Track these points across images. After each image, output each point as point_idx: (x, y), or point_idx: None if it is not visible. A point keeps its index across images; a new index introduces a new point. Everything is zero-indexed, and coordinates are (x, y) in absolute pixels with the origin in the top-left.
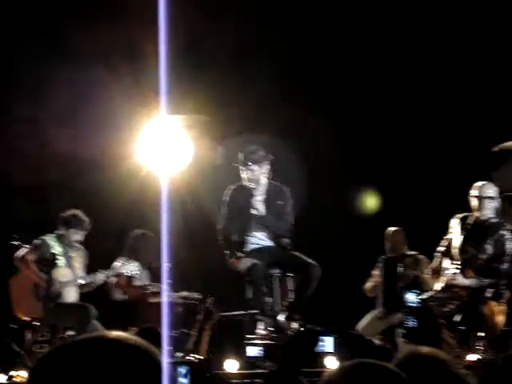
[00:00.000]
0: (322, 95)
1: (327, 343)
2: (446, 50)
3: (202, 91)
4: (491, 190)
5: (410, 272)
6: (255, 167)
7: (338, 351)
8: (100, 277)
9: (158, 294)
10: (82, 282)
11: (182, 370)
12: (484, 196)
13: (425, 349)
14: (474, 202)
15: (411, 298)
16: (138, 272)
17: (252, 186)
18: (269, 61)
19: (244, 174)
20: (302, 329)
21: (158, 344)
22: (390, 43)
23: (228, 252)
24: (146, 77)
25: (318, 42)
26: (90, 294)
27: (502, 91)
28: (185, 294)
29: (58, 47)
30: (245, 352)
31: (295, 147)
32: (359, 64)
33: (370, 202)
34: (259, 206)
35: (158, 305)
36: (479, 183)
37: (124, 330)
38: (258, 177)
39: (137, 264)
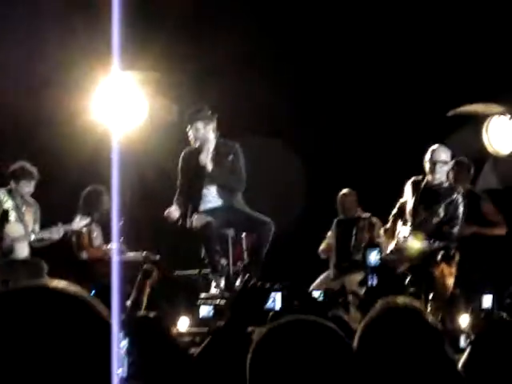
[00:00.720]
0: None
1: (276, 300)
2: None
3: (158, 47)
4: (444, 154)
5: (362, 235)
6: (200, 125)
7: (287, 308)
8: (53, 232)
9: (109, 251)
10: (33, 236)
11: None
12: (436, 160)
13: (400, 299)
14: (427, 166)
15: (373, 256)
16: (88, 226)
17: (197, 144)
18: (231, 17)
19: (190, 133)
20: (250, 285)
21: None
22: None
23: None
24: (100, 31)
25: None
26: (46, 251)
27: (456, 55)
28: (131, 254)
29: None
30: (197, 311)
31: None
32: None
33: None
34: (208, 164)
35: (109, 262)
36: (433, 147)
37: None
38: (204, 135)
39: (88, 219)
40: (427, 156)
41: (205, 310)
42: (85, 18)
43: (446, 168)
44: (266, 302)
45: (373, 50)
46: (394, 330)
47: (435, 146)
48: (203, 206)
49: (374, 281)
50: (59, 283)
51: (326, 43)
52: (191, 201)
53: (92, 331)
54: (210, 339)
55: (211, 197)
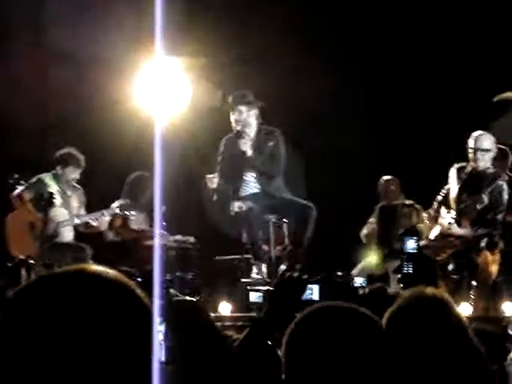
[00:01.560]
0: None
1: (314, 291)
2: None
3: (201, 33)
4: (486, 142)
5: (405, 221)
6: (243, 108)
7: (324, 299)
8: (96, 216)
9: (152, 237)
10: (78, 221)
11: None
12: (479, 148)
13: (428, 290)
14: (470, 153)
15: (410, 243)
16: (134, 213)
17: (238, 128)
18: (269, 4)
19: (232, 116)
20: (288, 277)
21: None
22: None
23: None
24: (145, 17)
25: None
26: (87, 235)
27: (501, 43)
28: (178, 237)
29: None
30: (240, 295)
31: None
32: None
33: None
34: (247, 149)
35: (152, 247)
36: (475, 134)
37: (118, 268)
38: (246, 119)
39: (130, 203)
40: (470, 143)
41: (253, 296)
42: (128, 3)
43: (490, 155)
44: (304, 294)
45: (416, 35)
46: (419, 319)
47: (478, 133)
48: (244, 192)
49: (409, 268)
50: (99, 268)
51: (369, 33)
52: (232, 186)
53: (132, 316)
54: (248, 330)
55: (252, 183)
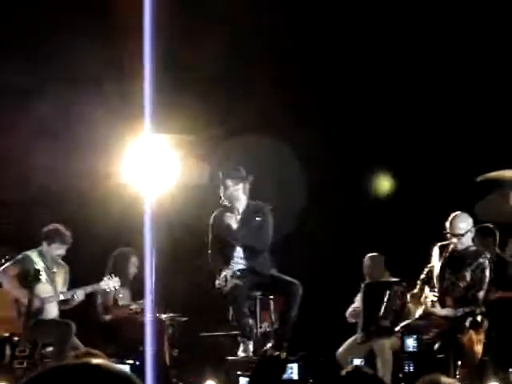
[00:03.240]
0: (313, 108)
1: (294, 370)
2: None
3: (187, 111)
4: (461, 225)
5: (395, 300)
6: (230, 183)
7: (304, 378)
8: (80, 292)
9: (140, 313)
10: (63, 297)
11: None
12: (453, 233)
13: (444, 379)
14: (448, 236)
15: (410, 341)
16: (117, 287)
17: (226, 203)
18: (252, 80)
19: (221, 192)
20: (268, 356)
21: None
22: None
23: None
24: (132, 96)
25: (306, 56)
26: (73, 312)
27: (486, 122)
28: (161, 316)
29: (46, 65)
30: (227, 376)
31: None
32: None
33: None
34: (233, 222)
35: (142, 323)
36: (451, 216)
37: (105, 348)
38: (234, 194)
39: (117, 280)
40: (447, 225)
41: (243, 381)
42: (116, 84)
43: (467, 236)
44: (284, 373)
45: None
46: None
47: (453, 215)
48: (231, 268)
49: (410, 367)
50: (102, 361)
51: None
52: (220, 261)
53: None
54: None
55: (238, 258)
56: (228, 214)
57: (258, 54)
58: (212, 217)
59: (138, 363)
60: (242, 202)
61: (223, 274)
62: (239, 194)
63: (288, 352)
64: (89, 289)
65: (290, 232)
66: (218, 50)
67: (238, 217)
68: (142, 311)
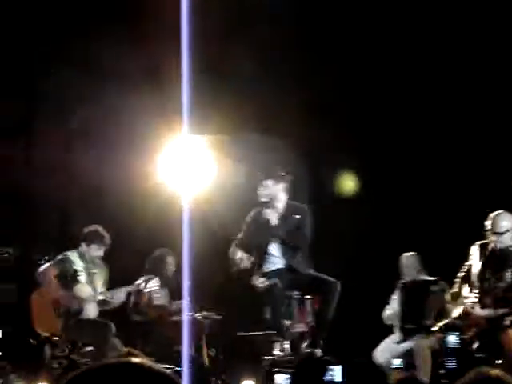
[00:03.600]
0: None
1: (336, 372)
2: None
3: (224, 111)
4: (503, 223)
5: (435, 299)
6: (269, 182)
7: (347, 380)
8: (120, 293)
9: (178, 312)
10: (102, 298)
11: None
12: (495, 231)
13: (493, 371)
14: (488, 235)
15: (452, 339)
16: (158, 288)
17: (264, 200)
18: (290, 81)
19: (261, 191)
20: (310, 357)
21: None
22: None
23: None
24: (170, 97)
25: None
26: (111, 312)
27: None
28: (204, 313)
29: (83, 68)
30: (263, 375)
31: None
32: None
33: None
34: (273, 217)
35: (177, 324)
36: (492, 215)
37: (143, 349)
38: (273, 193)
39: (156, 280)
40: (487, 225)
41: (280, 379)
42: (154, 85)
43: (509, 235)
44: (325, 375)
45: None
46: None
47: (494, 214)
48: (268, 267)
49: (452, 364)
50: (143, 360)
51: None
52: (256, 259)
53: None
54: None
55: (275, 257)
56: (268, 210)
57: (295, 53)
58: (250, 214)
59: (176, 368)
60: (281, 202)
61: (260, 272)
62: (279, 194)
63: (324, 352)
64: (128, 289)
65: (325, 231)
66: (256, 51)
67: (278, 214)
68: (180, 311)
